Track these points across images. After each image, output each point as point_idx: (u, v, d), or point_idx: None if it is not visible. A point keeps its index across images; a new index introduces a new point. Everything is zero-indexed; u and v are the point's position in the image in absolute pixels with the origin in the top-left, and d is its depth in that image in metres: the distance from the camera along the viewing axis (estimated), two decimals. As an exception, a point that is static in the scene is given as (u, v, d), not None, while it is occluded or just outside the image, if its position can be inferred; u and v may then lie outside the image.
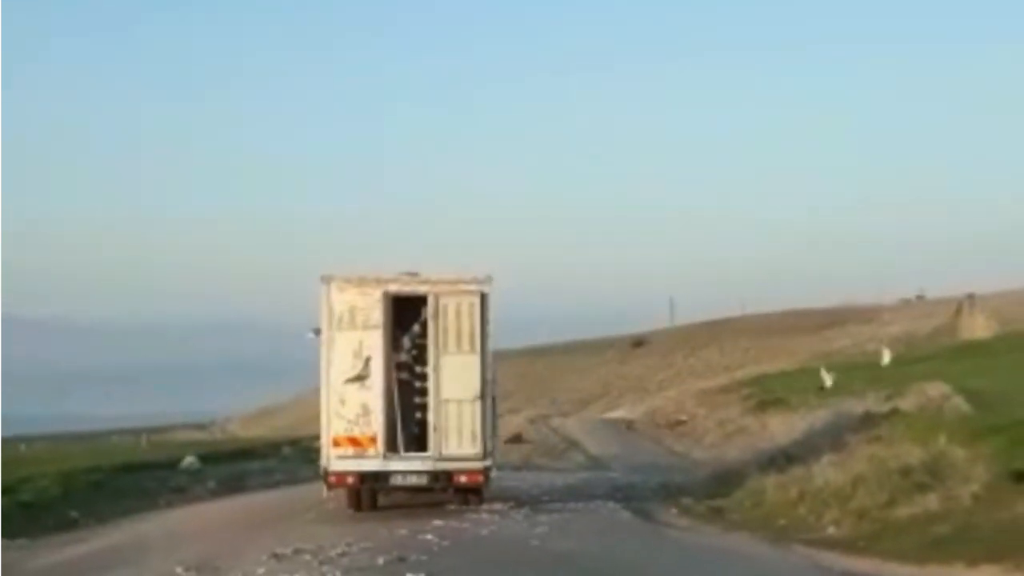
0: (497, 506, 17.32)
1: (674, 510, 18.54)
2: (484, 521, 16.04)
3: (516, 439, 39.34)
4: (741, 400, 42.50)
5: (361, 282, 17.19)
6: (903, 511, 15.13)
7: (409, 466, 17.12)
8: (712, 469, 24.44)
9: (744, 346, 79.94)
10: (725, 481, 20.68)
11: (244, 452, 31.35)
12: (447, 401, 17.02)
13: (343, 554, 13.26)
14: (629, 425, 45.79)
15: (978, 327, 68.06)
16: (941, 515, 14.43)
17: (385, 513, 17.36)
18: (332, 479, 17.02)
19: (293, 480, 24.39)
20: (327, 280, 17.13)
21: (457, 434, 16.98)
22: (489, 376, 17.22)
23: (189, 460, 26.12)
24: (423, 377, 17.34)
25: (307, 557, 13.19)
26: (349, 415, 16.92)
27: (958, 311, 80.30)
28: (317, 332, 17.45)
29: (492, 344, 17.32)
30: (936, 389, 27.23)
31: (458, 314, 17.11)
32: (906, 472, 16.33)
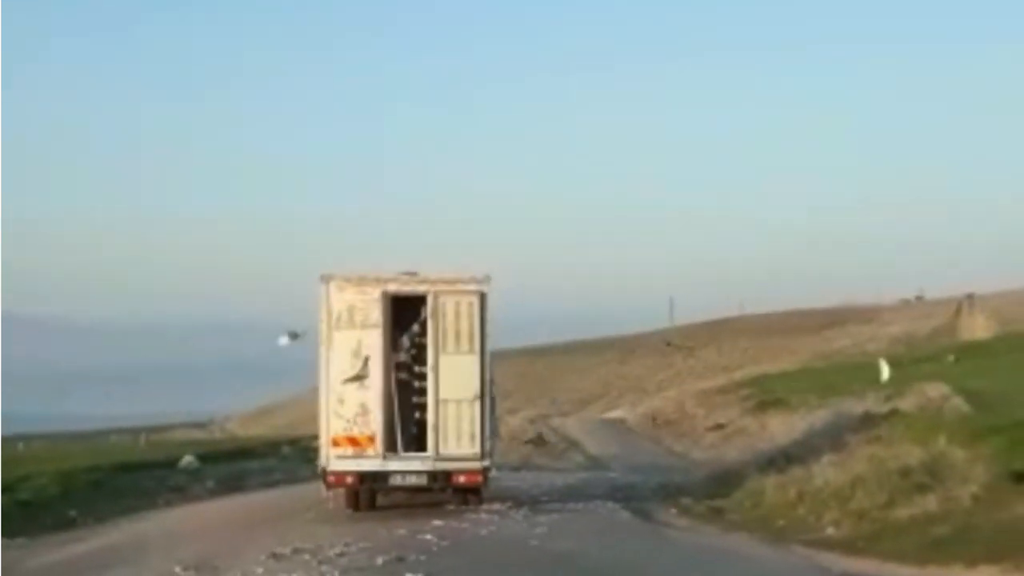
0: (496, 506, 17.30)
1: (673, 510, 18.52)
2: (483, 521, 16.03)
3: (539, 441, 39.23)
4: (740, 400, 42.50)
5: (360, 281, 17.18)
6: (902, 512, 15.12)
7: (408, 466, 17.10)
8: (711, 469, 24.42)
9: (743, 346, 79.97)
10: (724, 481, 20.67)
11: (243, 451, 31.31)
12: (446, 401, 17.00)
13: (342, 554, 13.25)
14: (623, 423, 45.85)
15: (978, 327, 68.11)
16: (940, 516, 14.42)
17: (384, 513, 17.34)
18: (331, 479, 17.01)
19: (292, 480, 24.37)
20: (326, 279, 17.11)
21: (456, 434, 16.97)
22: (488, 376, 17.21)
23: (188, 459, 26.09)
24: (422, 377, 17.32)
25: (306, 557, 13.18)
26: (348, 415, 16.91)
27: (958, 311, 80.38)
28: (293, 336, 17.42)
29: (491, 344, 17.30)
30: (936, 390, 27.23)
31: (457, 314, 17.09)
32: (905, 473, 16.31)
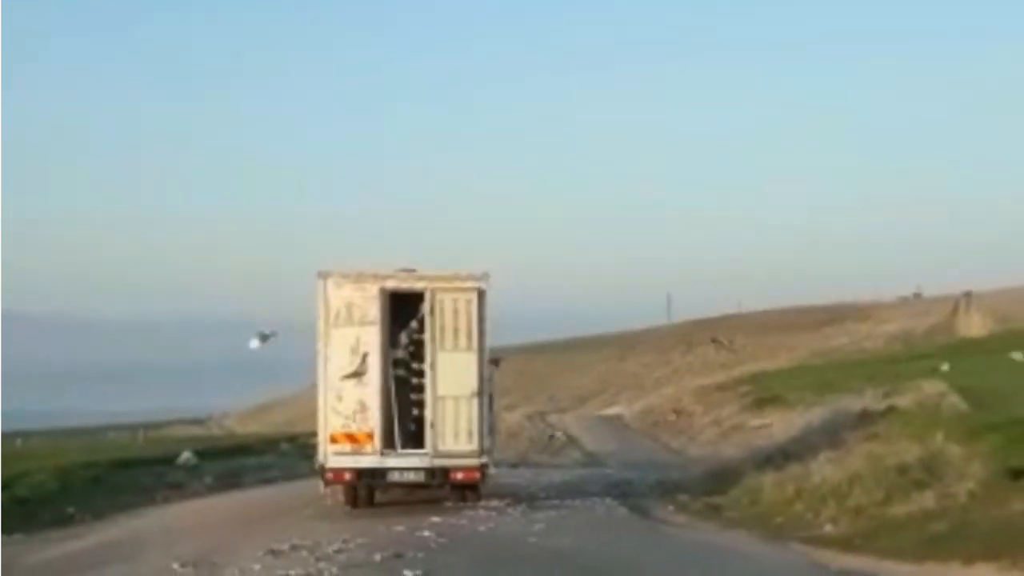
0: (494, 503, 17.32)
1: (671, 507, 18.54)
2: (481, 518, 16.04)
3: (566, 440, 39.27)
4: (738, 397, 42.53)
5: (358, 278, 17.17)
6: (900, 509, 15.14)
7: (406, 463, 17.11)
8: (709, 466, 24.44)
9: (741, 343, 79.98)
10: (722, 478, 20.69)
11: (241, 448, 31.29)
12: (444, 398, 17.00)
13: (340, 550, 13.25)
14: (620, 420, 45.87)
15: (975, 325, 68.20)
16: (938, 513, 14.44)
17: (382, 510, 17.35)
18: (329, 475, 17.01)
19: (290, 476, 24.37)
20: (324, 276, 17.10)
21: (454, 431, 16.97)
22: (486, 373, 17.21)
23: (186, 456, 26.07)
24: (420, 374, 17.31)
25: (304, 553, 13.18)
26: (346, 411, 16.90)
27: (955, 309, 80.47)
28: (263, 338, 17.40)
29: (489, 341, 17.31)
30: (933, 387, 27.29)
31: (456, 311, 17.09)
32: (903, 470, 16.34)
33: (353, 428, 16.90)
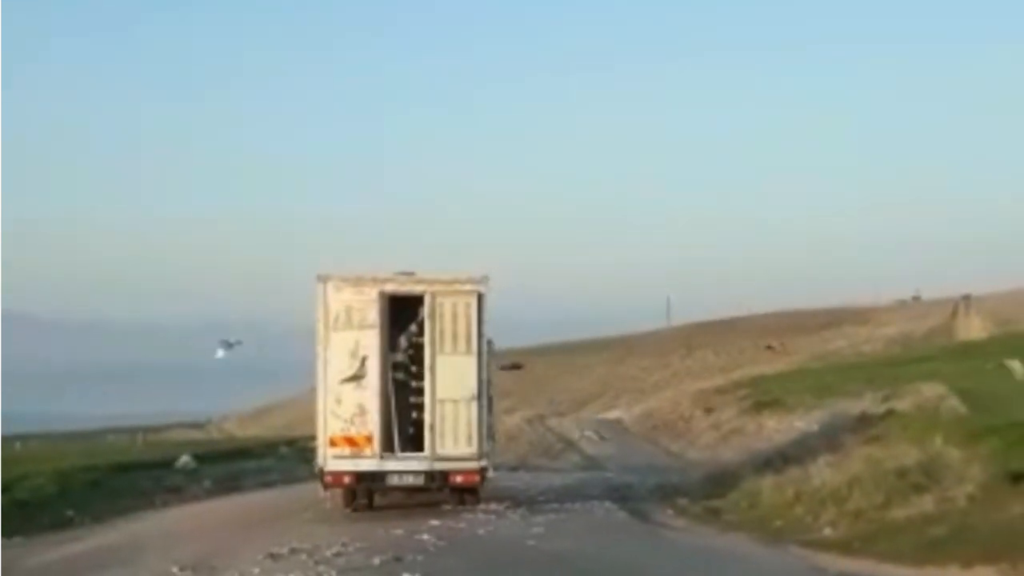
0: (493, 506, 17.31)
1: (670, 511, 18.54)
2: (480, 521, 16.04)
3: (598, 439, 39.41)
4: (737, 401, 42.50)
5: (358, 281, 17.18)
6: (899, 512, 15.15)
7: (405, 466, 17.11)
8: (708, 470, 24.44)
9: (741, 347, 79.99)
10: (721, 482, 20.69)
11: (240, 451, 31.29)
12: (443, 401, 17.00)
13: (339, 554, 13.25)
14: (620, 423, 45.87)
15: (974, 328, 68.21)
16: (937, 516, 14.45)
17: (381, 513, 17.35)
18: (328, 479, 17.00)
19: (289, 480, 24.37)
20: (323, 279, 17.11)
21: (453, 434, 16.97)
22: (485, 376, 17.22)
23: (185, 459, 26.08)
24: (419, 377, 17.31)
25: (303, 557, 13.18)
26: (345, 415, 16.90)
27: (954, 312, 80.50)
28: (227, 346, 17.40)
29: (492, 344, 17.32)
30: (932, 390, 27.27)
31: (455, 314, 17.10)
32: (902, 473, 16.35)
33: (352, 431, 16.90)
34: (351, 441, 16.91)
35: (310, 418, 18.21)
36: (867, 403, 27.86)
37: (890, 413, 24.77)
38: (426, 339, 17.15)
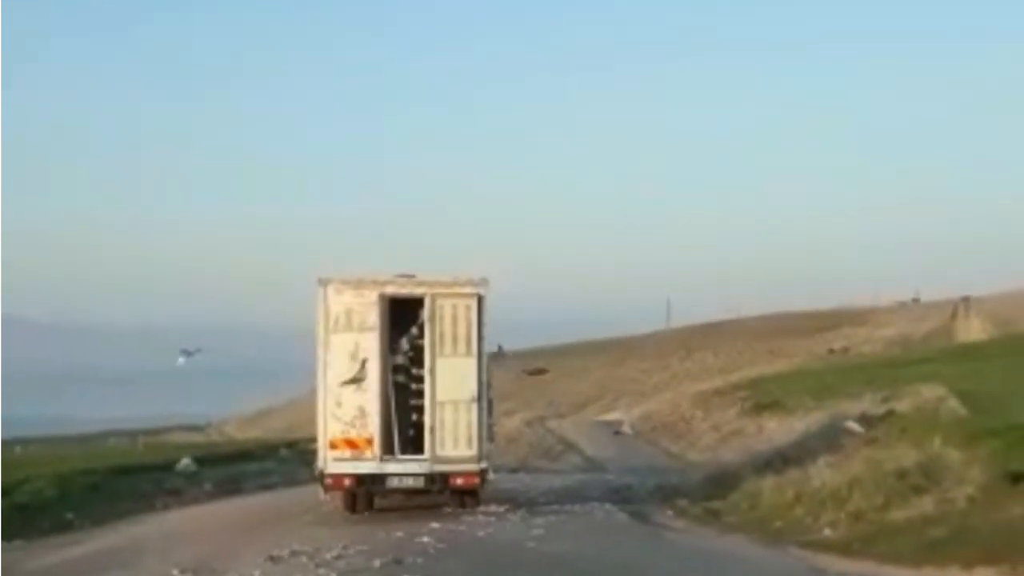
0: (493, 508, 17.32)
1: (670, 512, 18.55)
2: (480, 523, 16.05)
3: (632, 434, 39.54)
4: (737, 402, 42.49)
5: (358, 284, 17.20)
6: (899, 513, 15.15)
7: (405, 468, 17.12)
8: (708, 471, 24.44)
9: (740, 348, 79.95)
10: (721, 483, 20.69)
11: (241, 454, 31.26)
12: (443, 403, 17.02)
13: (339, 556, 13.27)
14: (619, 427, 45.80)
15: (973, 329, 68.18)
16: (937, 517, 14.45)
17: (382, 515, 17.36)
18: (328, 481, 17.02)
19: (290, 482, 24.36)
20: (324, 282, 17.13)
21: (453, 436, 16.99)
22: (485, 378, 17.23)
23: (185, 462, 26.06)
24: (419, 379, 17.33)
25: (303, 559, 13.20)
26: (345, 417, 16.92)
27: (954, 314, 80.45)
28: (187, 355, 17.40)
29: (488, 346, 17.33)
30: (932, 391, 27.26)
31: (454, 316, 17.12)
32: (902, 474, 16.36)
33: (352, 434, 16.92)
34: (351, 443, 16.92)
35: (310, 420, 18.23)
36: (867, 404, 27.85)
37: (890, 414, 24.77)
38: (426, 341, 17.17)
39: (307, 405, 21.18)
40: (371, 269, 17.79)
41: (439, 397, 17.03)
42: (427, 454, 17.04)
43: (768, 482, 18.80)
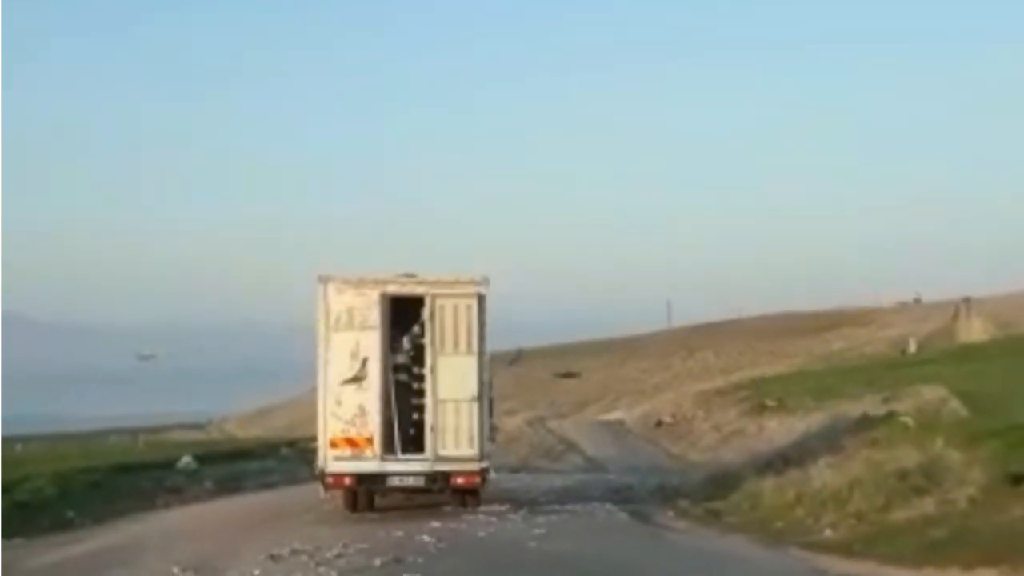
0: (494, 507, 17.32)
1: (671, 512, 18.54)
2: (481, 523, 16.05)
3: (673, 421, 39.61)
4: (738, 403, 42.48)
5: (359, 283, 17.20)
6: (900, 514, 15.14)
7: (406, 467, 17.12)
8: (709, 471, 24.44)
9: (741, 349, 79.97)
10: (722, 483, 20.68)
11: (241, 452, 31.24)
12: (444, 402, 17.02)
13: (340, 555, 13.27)
14: (621, 425, 45.85)
15: (975, 330, 68.16)
16: (938, 518, 14.44)
17: (382, 514, 17.36)
18: (329, 480, 17.02)
19: (290, 481, 24.36)
20: (324, 281, 17.13)
21: (454, 435, 16.98)
22: (486, 378, 17.23)
23: (186, 460, 26.06)
24: (420, 378, 17.33)
25: (304, 558, 13.20)
26: (346, 416, 16.91)
27: (955, 315, 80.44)
28: (142, 358, 17.38)
29: (489, 346, 17.33)
30: (933, 392, 27.26)
31: (455, 316, 17.12)
32: (903, 475, 16.34)
33: (353, 433, 16.92)
34: (352, 442, 16.92)
35: (311, 419, 18.23)
36: (868, 405, 27.84)
37: (891, 415, 24.76)
38: (427, 340, 17.18)
39: (308, 404, 21.18)
40: (371, 269, 17.82)
41: (440, 396, 17.03)
42: (428, 453, 17.04)
43: (769, 483, 18.80)
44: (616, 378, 77.66)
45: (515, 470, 28.26)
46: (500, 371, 75.21)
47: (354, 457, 16.92)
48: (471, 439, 16.96)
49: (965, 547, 12.67)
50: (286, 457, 29.86)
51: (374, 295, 17.12)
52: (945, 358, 47.20)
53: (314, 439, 17.96)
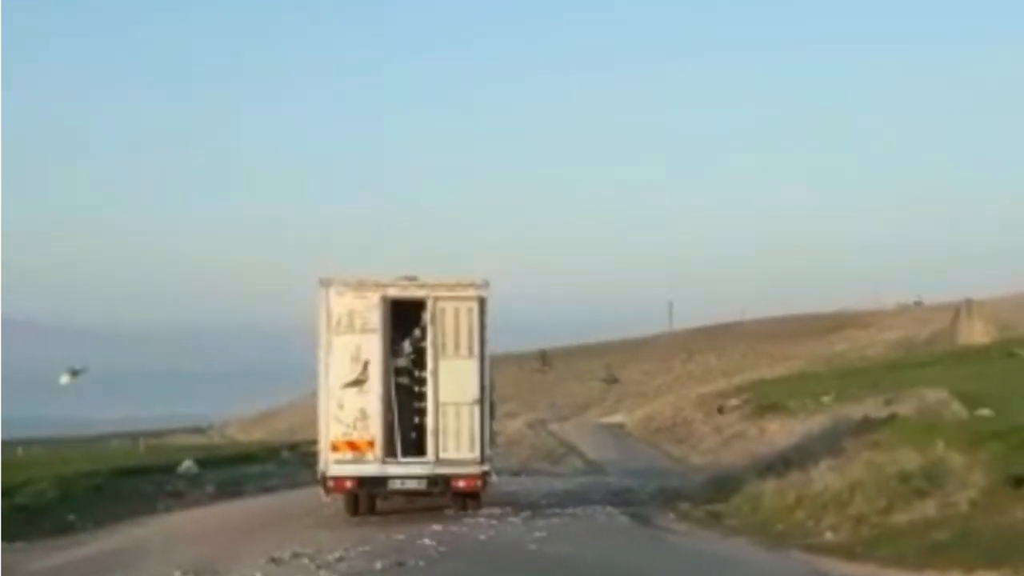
0: (495, 511, 17.32)
1: (672, 515, 18.53)
2: (482, 526, 16.05)
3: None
4: (739, 405, 42.48)
5: (360, 286, 17.18)
6: (901, 517, 15.13)
7: (407, 470, 17.11)
8: (710, 474, 24.44)
9: (742, 351, 79.93)
10: (723, 486, 20.68)
11: (242, 456, 31.28)
12: (445, 405, 17.00)
13: (341, 559, 13.26)
14: (621, 428, 45.86)
15: (976, 332, 68.09)
16: (939, 521, 14.43)
17: (383, 518, 17.36)
18: (330, 483, 17.00)
19: (291, 484, 24.38)
20: (325, 284, 17.11)
21: (455, 438, 16.97)
22: (487, 381, 17.22)
23: (187, 464, 26.07)
24: (422, 381, 17.31)
25: (305, 561, 13.20)
26: (347, 419, 16.90)
27: (956, 316, 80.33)
28: (73, 373, 17.34)
29: (490, 348, 17.33)
30: (934, 394, 27.27)
31: (456, 318, 17.10)
32: (904, 478, 16.33)
33: (354, 436, 16.90)
34: (353, 446, 16.90)
35: (312, 422, 18.23)
36: (869, 407, 27.84)
37: (892, 417, 24.75)
38: (428, 343, 17.16)
39: (309, 407, 21.19)
40: (371, 270, 17.82)
41: (441, 399, 17.02)
42: (429, 456, 17.03)
43: (770, 485, 18.79)
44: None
45: (516, 473, 28.27)
46: (526, 375, 75.36)
47: (355, 460, 16.91)
48: (472, 442, 16.94)
49: (966, 549, 12.67)
50: (287, 461, 29.89)
51: (375, 298, 17.11)
52: (947, 360, 47.21)
53: (315, 442, 17.96)
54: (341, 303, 17.02)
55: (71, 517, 18.96)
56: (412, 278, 17.59)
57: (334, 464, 16.89)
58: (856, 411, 27.49)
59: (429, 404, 17.07)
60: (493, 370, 17.69)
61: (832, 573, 13.05)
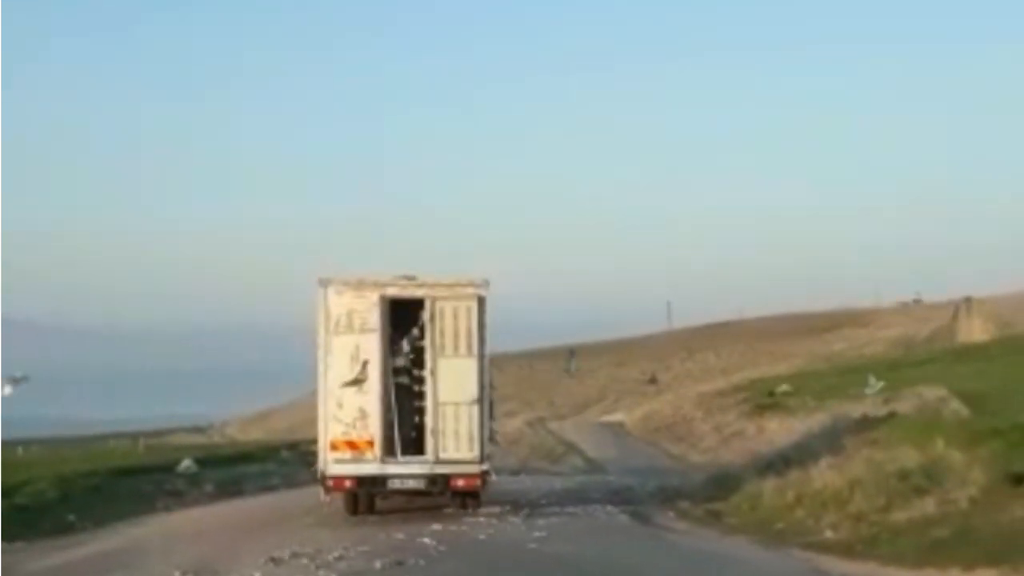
0: (495, 510, 17.33)
1: (671, 513, 18.54)
2: (482, 525, 16.05)
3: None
4: (738, 404, 42.49)
5: (359, 285, 17.18)
6: (900, 515, 15.13)
7: (407, 470, 17.11)
8: (709, 473, 24.44)
9: (741, 350, 79.99)
10: (722, 485, 20.68)
11: (242, 456, 31.29)
12: (444, 404, 17.01)
13: (340, 558, 13.27)
14: (621, 427, 45.87)
15: (975, 330, 68.16)
16: (938, 519, 14.43)
17: (383, 517, 17.36)
18: (330, 483, 17.01)
19: (291, 484, 24.39)
20: (324, 283, 17.11)
21: (455, 437, 16.97)
22: (486, 380, 17.22)
23: (186, 464, 26.07)
24: (421, 381, 17.32)
25: (304, 561, 13.20)
26: (346, 419, 16.90)
27: (955, 315, 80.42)
28: (14, 382, 17.38)
29: (489, 348, 17.33)
30: (934, 392, 27.28)
31: (456, 318, 17.11)
32: (903, 476, 16.33)
33: (353, 435, 16.91)
34: (352, 445, 16.90)
35: (312, 422, 18.22)
36: (868, 405, 27.85)
37: (891, 415, 24.75)
38: (427, 343, 17.17)
39: (308, 406, 21.19)
40: (371, 270, 17.81)
41: (440, 398, 17.02)
42: (428, 455, 17.03)
43: (769, 484, 18.79)
44: (616, 379, 77.68)
45: (515, 472, 28.27)
46: (560, 375, 75.30)
47: (355, 460, 16.91)
48: (471, 441, 16.95)
49: (966, 547, 12.67)
50: (286, 460, 29.88)
51: (374, 297, 17.11)
52: (946, 358, 47.23)
53: (314, 442, 17.95)
54: (340, 303, 17.03)
55: (71, 517, 18.96)
56: (411, 278, 17.59)
57: (333, 463, 16.89)
58: (855, 409, 27.50)
59: (428, 403, 17.08)
60: (492, 369, 17.70)
61: (832, 571, 13.05)
